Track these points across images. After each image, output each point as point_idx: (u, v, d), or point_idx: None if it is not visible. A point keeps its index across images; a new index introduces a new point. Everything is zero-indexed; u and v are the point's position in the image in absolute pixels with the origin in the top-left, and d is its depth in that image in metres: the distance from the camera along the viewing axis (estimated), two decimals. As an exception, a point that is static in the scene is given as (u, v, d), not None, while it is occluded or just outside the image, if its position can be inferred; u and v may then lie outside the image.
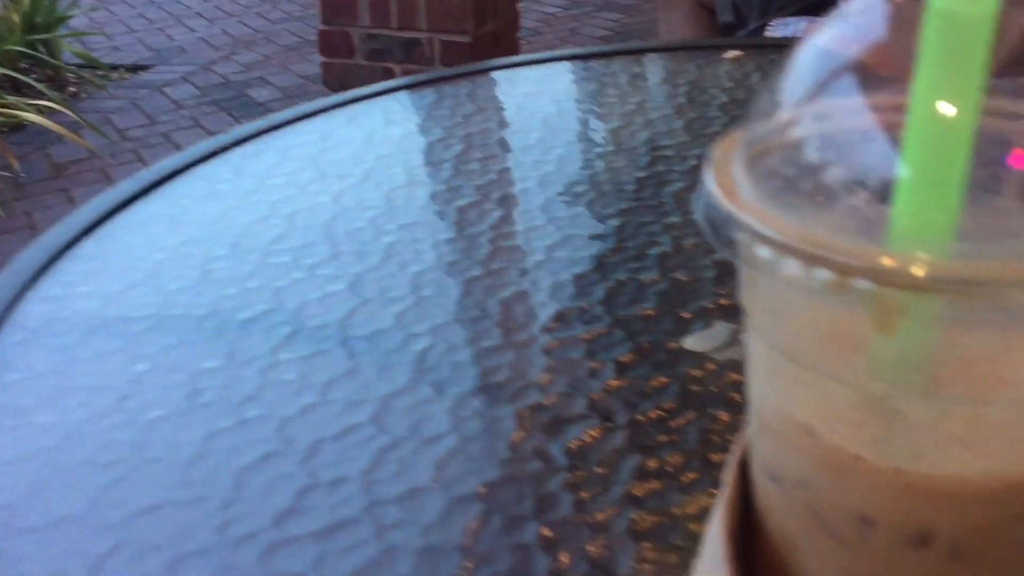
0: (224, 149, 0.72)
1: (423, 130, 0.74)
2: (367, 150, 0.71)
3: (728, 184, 0.23)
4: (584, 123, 0.74)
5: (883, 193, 0.21)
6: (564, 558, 0.34)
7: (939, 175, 0.20)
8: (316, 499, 0.38)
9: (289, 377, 0.45)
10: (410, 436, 0.41)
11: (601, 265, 0.53)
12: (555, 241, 0.56)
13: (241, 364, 0.46)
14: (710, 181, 0.23)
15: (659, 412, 0.41)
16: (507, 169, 0.66)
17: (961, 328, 0.20)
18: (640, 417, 0.41)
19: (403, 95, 0.82)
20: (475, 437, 0.41)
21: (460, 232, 0.58)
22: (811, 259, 0.20)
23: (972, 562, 0.23)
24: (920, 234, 0.20)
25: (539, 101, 0.80)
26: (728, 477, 0.27)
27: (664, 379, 0.43)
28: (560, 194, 0.62)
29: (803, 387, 0.23)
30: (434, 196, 0.63)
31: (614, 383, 0.43)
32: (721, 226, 0.22)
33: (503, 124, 0.74)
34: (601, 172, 0.65)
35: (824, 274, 0.20)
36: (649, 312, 0.48)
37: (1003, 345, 0.20)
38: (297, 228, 0.59)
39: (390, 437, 0.41)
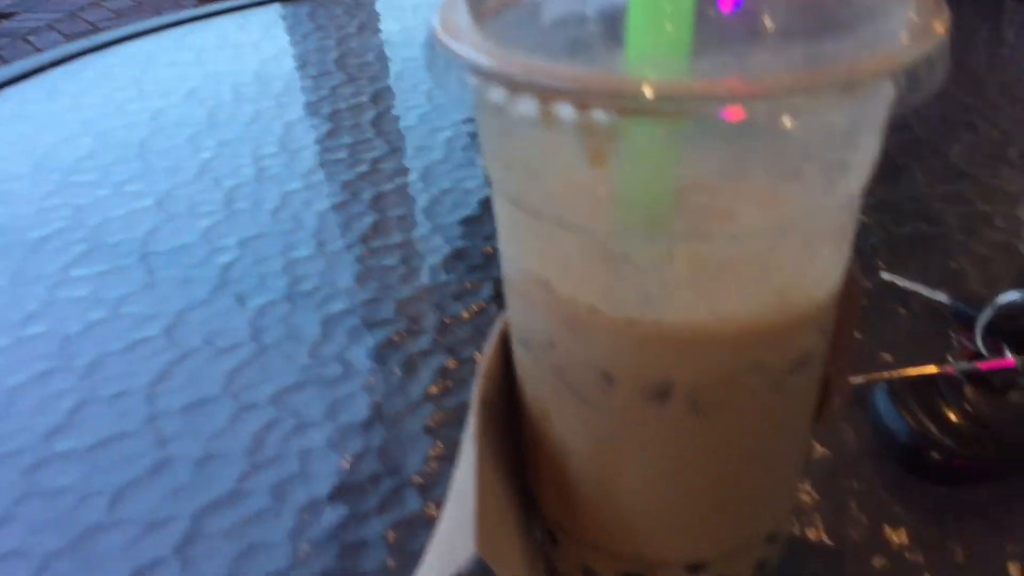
0: (40, 69, 0.67)
1: (256, 49, 0.71)
2: (194, 69, 0.67)
3: (454, 30, 0.21)
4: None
5: (615, 32, 0.20)
6: (351, 457, 0.33)
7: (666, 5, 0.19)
8: (92, 414, 0.35)
9: (79, 294, 0.42)
10: (204, 347, 0.38)
11: (427, 175, 0.51)
12: (382, 154, 0.54)
13: (28, 282, 0.43)
14: (434, 27, 0.21)
15: (468, 313, 0.40)
16: (340, 85, 0.63)
17: (675, 158, 0.19)
18: (447, 319, 0.40)
19: (239, 16, 0.78)
20: (274, 345, 0.38)
21: (283, 147, 0.55)
22: (516, 86, 0.18)
23: (712, 414, 0.22)
24: (651, 61, 0.19)
25: (384, 21, 0.76)
26: (487, 350, 0.25)
27: (477, 281, 0.42)
28: (392, 108, 0.59)
29: (535, 237, 0.22)
30: (260, 113, 0.59)
31: (426, 287, 0.42)
32: (449, 77, 0.21)
33: (341, 43, 0.71)
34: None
35: (529, 102, 0.18)
36: (471, 217, 0.47)
37: (719, 176, 0.19)
38: (108, 146, 0.56)
39: (181, 349, 0.38)
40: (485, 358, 0.25)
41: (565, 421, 0.24)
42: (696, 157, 0.19)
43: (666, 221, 0.19)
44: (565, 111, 0.18)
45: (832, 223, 0.21)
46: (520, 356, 0.24)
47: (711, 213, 0.19)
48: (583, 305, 0.21)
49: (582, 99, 0.17)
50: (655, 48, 0.19)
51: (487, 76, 0.19)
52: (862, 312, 0.32)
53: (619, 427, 0.23)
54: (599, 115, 0.18)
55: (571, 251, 0.21)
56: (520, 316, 0.24)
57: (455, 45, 0.19)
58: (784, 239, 0.20)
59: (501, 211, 0.23)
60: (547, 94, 0.18)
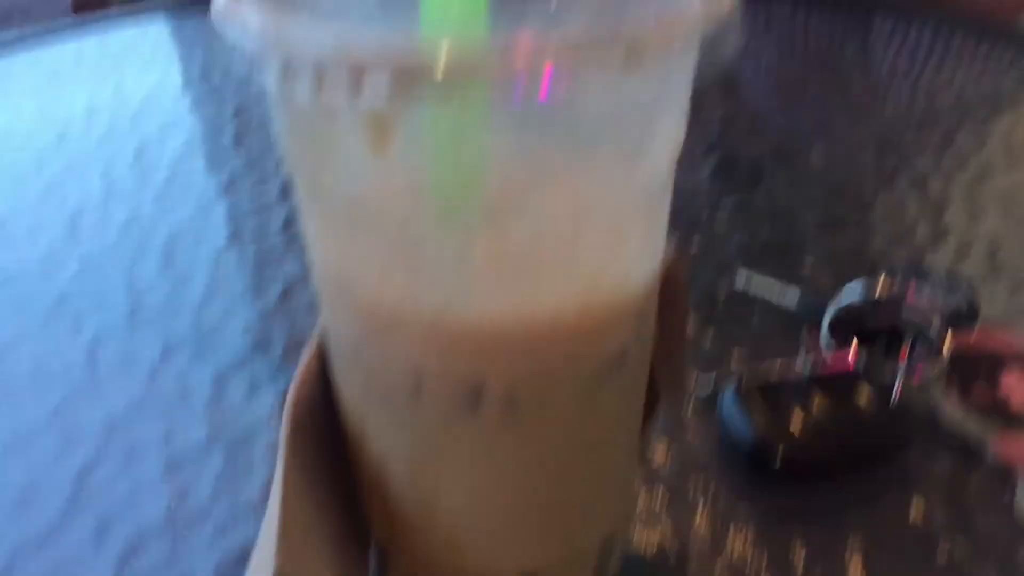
0: None
1: (116, 68, 0.68)
2: (47, 88, 0.63)
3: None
4: None
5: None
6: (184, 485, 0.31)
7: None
8: None
9: None
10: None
11: (287, 188, 0.49)
12: (242, 166, 0.52)
13: None
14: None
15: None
16: (200, 101, 0.61)
17: (463, 139, 0.18)
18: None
19: (99, 35, 0.75)
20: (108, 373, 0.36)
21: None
22: (287, 70, 0.17)
23: (528, 418, 0.20)
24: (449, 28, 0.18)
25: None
26: (305, 352, 0.24)
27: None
28: (252, 123, 0.57)
29: (336, 232, 0.20)
30: (112, 131, 0.57)
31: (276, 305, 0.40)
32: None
33: (204, 59, 0.69)
34: None
35: (302, 86, 0.17)
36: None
37: (511, 156, 0.18)
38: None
39: (4, 375, 0.36)
40: (300, 366, 0.24)
41: (380, 435, 0.22)
42: (486, 137, 0.18)
43: (460, 207, 0.18)
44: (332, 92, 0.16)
45: (638, 206, 0.20)
46: (335, 360, 0.23)
47: (506, 196, 0.18)
48: (387, 302, 0.20)
49: (357, 73, 0.16)
50: (447, 18, 0.18)
51: (260, 49, 0.17)
52: (688, 309, 0.31)
53: (433, 437, 0.21)
54: (372, 96, 0.16)
55: (370, 245, 0.19)
56: (330, 321, 0.22)
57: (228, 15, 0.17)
58: (587, 224, 0.19)
59: (302, 207, 0.22)
60: (319, 70, 0.16)
